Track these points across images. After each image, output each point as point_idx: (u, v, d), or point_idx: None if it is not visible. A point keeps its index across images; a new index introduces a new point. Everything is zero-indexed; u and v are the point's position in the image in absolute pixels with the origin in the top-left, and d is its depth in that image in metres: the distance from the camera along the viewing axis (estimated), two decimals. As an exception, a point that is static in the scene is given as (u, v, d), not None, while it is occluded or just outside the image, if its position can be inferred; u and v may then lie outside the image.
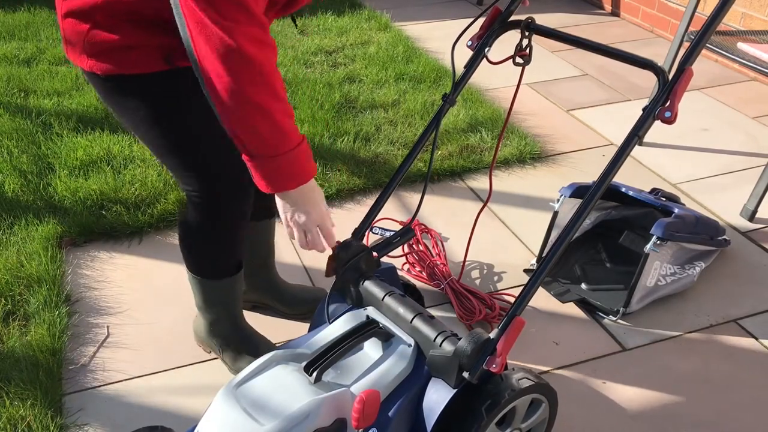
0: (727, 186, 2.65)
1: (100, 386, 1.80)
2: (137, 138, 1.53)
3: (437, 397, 1.38)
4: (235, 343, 1.81)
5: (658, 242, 1.92)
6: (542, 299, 2.07)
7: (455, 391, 1.37)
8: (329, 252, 1.54)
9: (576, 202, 2.13)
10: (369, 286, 1.54)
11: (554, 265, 1.38)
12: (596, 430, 1.68)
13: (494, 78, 3.48)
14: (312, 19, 4.17)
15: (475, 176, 2.70)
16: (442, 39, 3.99)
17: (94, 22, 1.34)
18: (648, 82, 3.38)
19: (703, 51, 3.32)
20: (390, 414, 1.35)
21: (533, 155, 2.80)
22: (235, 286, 1.74)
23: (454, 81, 1.64)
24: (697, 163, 2.80)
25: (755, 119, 3.13)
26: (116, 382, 1.81)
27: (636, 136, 1.40)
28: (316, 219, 1.39)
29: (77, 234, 2.31)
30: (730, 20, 3.56)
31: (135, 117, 1.46)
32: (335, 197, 2.54)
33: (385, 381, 1.36)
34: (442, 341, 1.39)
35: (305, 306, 2.00)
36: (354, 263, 1.56)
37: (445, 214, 2.47)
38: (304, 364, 1.35)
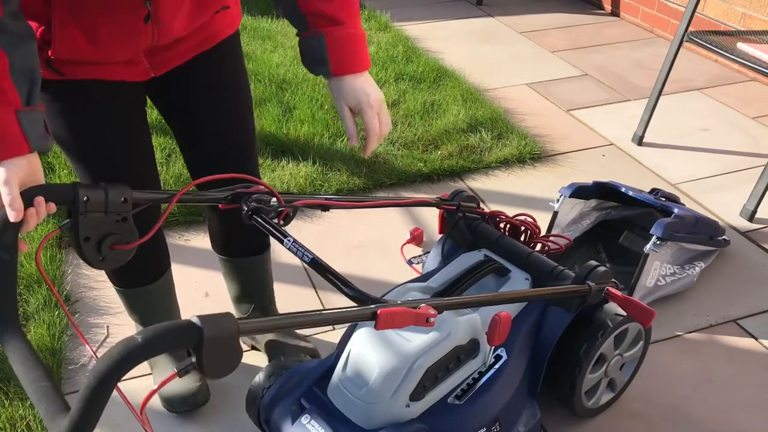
0: (726, 186, 2.65)
1: (99, 386, 1.80)
2: None
3: (555, 323, 1.53)
4: None
5: (658, 242, 1.92)
6: (542, 299, 2.07)
7: (572, 316, 1.50)
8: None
9: (576, 202, 2.13)
10: (482, 230, 1.70)
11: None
12: (596, 430, 1.68)
13: (494, 78, 3.48)
14: (312, 19, 4.16)
15: (475, 176, 2.69)
16: (442, 39, 3.99)
17: None
18: (648, 82, 3.38)
19: (703, 51, 3.32)
20: (515, 337, 1.48)
21: (533, 155, 2.80)
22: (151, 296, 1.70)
23: None
24: (697, 163, 2.80)
25: (755, 119, 3.13)
26: (116, 382, 1.81)
27: None
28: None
29: (77, 234, 2.30)
30: (730, 20, 3.56)
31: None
32: (335, 197, 2.54)
33: (510, 308, 1.50)
34: (559, 273, 1.54)
35: (292, 356, 1.75)
36: (466, 211, 1.71)
37: (444, 214, 2.47)
38: (433, 294, 1.52)
